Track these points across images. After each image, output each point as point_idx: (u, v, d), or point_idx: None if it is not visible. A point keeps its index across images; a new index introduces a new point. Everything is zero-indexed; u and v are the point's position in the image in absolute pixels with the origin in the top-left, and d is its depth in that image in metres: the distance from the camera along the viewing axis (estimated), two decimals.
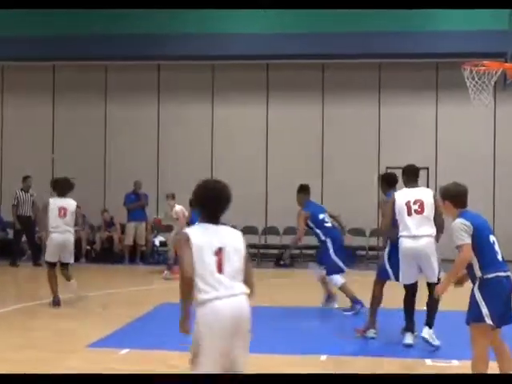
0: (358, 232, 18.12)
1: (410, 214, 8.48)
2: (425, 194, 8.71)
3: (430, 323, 8.41)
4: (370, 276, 9.72)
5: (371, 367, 7.69)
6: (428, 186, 16.36)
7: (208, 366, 4.74)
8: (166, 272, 15.41)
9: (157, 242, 18.50)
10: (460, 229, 6.06)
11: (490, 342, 6.06)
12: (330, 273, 10.85)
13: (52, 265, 11.41)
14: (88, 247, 18.41)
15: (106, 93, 19.97)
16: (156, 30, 18.22)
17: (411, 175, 8.90)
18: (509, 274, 6.08)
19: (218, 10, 17.94)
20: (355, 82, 19.12)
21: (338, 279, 10.83)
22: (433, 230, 8.53)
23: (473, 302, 6.02)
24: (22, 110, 20.05)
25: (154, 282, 15.03)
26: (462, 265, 6.07)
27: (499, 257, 6.11)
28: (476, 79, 13.00)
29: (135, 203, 18.20)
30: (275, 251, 18.63)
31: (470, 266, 6.07)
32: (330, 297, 11.25)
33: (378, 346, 8.79)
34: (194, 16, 18.10)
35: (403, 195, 8.69)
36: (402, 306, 8.79)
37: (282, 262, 16.83)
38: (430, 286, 8.47)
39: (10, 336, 9.16)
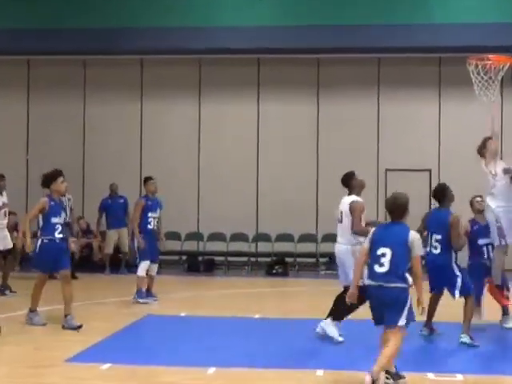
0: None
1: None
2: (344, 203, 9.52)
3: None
4: None
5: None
6: (430, 190, 16.45)
7: None
8: None
9: None
10: None
11: None
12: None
13: None
14: None
15: (84, 89, 19.54)
16: (138, 23, 17.81)
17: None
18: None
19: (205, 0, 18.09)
20: (353, 78, 18.87)
21: (141, 270, 12.60)
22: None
23: None
24: None
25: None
26: None
27: None
28: (482, 74, 12.52)
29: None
30: (267, 259, 18.36)
31: None
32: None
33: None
34: (179, 6, 17.86)
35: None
36: None
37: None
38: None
39: None
